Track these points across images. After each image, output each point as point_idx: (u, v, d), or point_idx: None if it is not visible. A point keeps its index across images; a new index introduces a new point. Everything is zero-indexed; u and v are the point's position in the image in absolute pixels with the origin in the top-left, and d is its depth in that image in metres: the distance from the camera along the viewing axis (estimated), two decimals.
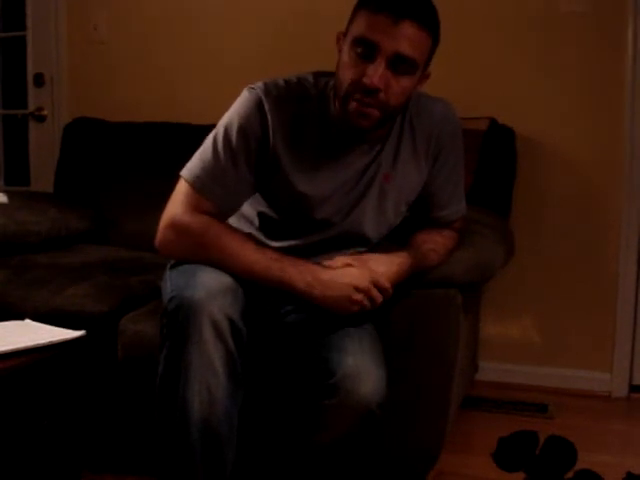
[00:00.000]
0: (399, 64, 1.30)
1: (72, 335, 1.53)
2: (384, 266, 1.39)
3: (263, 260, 1.34)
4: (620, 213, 2.41)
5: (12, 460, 1.45)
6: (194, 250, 1.37)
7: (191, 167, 1.42)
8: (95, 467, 1.79)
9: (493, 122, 2.30)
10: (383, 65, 1.29)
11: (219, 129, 1.42)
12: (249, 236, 1.53)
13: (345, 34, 1.36)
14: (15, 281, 1.93)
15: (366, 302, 1.34)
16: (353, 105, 1.33)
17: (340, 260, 1.39)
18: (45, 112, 3.04)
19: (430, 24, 1.32)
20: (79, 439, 1.63)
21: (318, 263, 1.38)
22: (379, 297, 1.35)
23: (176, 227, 1.38)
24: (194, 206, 1.39)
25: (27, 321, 1.66)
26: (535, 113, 2.45)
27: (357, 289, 1.33)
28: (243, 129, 1.39)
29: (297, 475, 1.42)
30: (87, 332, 1.56)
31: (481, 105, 2.36)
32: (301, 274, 1.33)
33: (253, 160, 1.41)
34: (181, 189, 1.42)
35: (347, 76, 1.33)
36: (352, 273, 1.35)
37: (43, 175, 3.00)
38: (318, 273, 1.34)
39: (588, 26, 2.38)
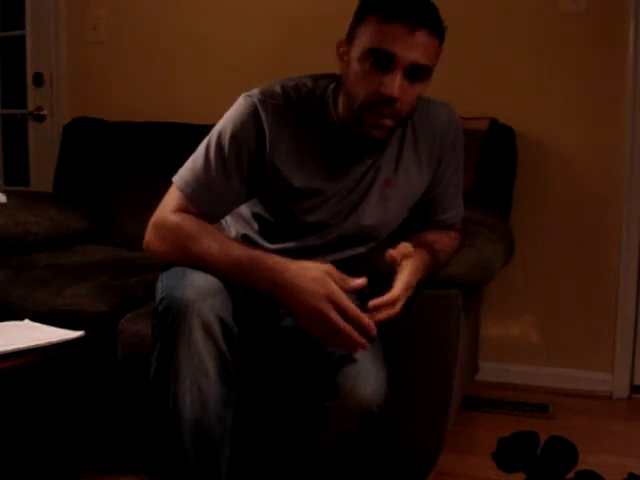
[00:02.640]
0: (415, 72, 1.30)
1: (72, 335, 1.53)
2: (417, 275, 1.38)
3: (226, 260, 1.30)
4: (620, 213, 2.41)
5: (12, 460, 1.45)
6: (171, 249, 1.37)
7: (182, 174, 1.42)
8: (95, 467, 1.79)
9: (493, 122, 2.30)
10: (401, 75, 1.28)
11: (212, 136, 1.41)
12: (245, 238, 1.53)
13: (349, 41, 1.34)
14: (15, 281, 1.93)
15: (324, 326, 1.23)
16: (370, 118, 1.32)
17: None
18: (44, 112, 3.04)
19: (440, 31, 1.32)
20: (79, 439, 1.63)
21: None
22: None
23: (157, 226, 1.39)
24: (181, 209, 1.39)
25: (27, 321, 1.65)
26: (535, 113, 2.45)
27: (315, 311, 1.22)
28: (236, 139, 1.38)
29: (297, 476, 1.41)
30: (87, 332, 1.56)
31: (481, 105, 2.36)
32: (264, 280, 1.28)
33: (245, 170, 1.40)
34: (171, 194, 1.42)
35: (361, 88, 1.31)
36: (315, 289, 1.23)
37: (43, 175, 3.00)
38: (282, 280, 1.26)
39: (588, 26, 2.38)
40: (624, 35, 2.35)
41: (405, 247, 1.37)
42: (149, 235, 1.41)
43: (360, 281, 1.26)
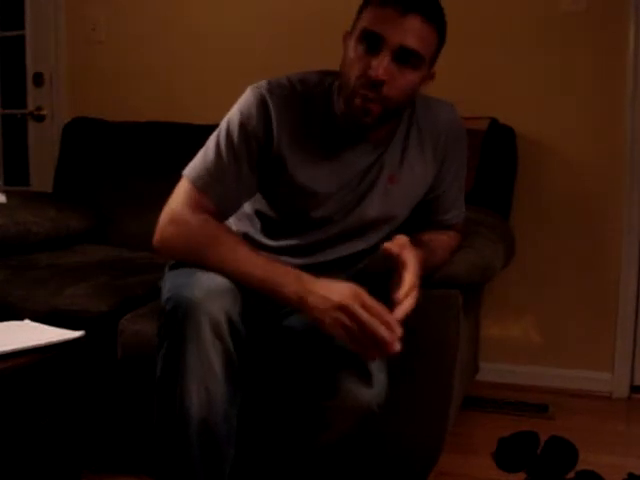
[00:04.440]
0: (404, 57, 1.30)
1: (72, 335, 1.53)
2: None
3: (255, 263, 1.30)
4: (621, 212, 2.41)
5: (12, 460, 1.45)
6: (192, 248, 1.35)
7: (193, 166, 1.41)
8: (95, 467, 1.79)
9: (493, 122, 2.30)
10: (388, 57, 1.29)
11: (221, 128, 1.41)
12: (245, 236, 1.53)
13: (351, 32, 1.36)
14: (15, 281, 1.93)
15: (350, 324, 1.19)
16: (357, 101, 1.32)
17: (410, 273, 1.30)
18: (44, 112, 3.04)
19: (436, 19, 1.32)
20: (79, 439, 1.63)
21: (315, 275, 1.30)
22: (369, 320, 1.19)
23: (176, 223, 1.37)
24: (195, 204, 1.38)
25: (27, 321, 1.65)
26: (535, 113, 2.45)
27: (340, 307, 1.20)
28: (245, 128, 1.38)
29: (297, 475, 1.41)
30: (87, 332, 1.56)
31: (481, 105, 2.36)
32: (291, 284, 1.26)
33: (255, 159, 1.40)
34: (182, 187, 1.41)
35: (353, 71, 1.32)
36: (342, 289, 1.22)
37: (43, 175, 3.00)
38: (310, 284, 1.25)
39: (588, 25, 2.38)
40: (624, 35, 2.35)
41: (399, 239, 1.36)
42: (164, 232, 1.37)
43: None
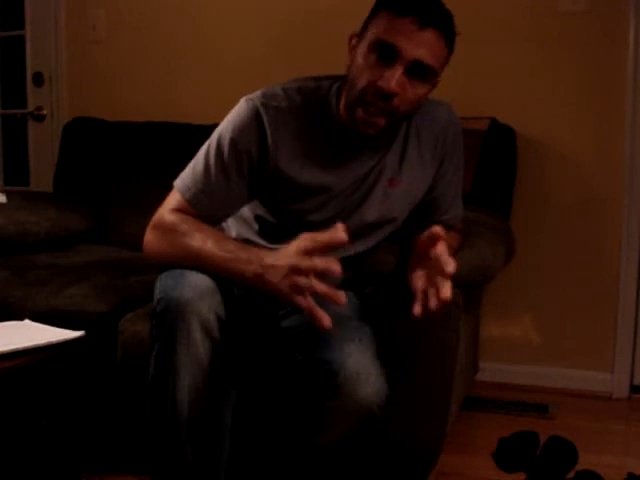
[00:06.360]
0: (418, 71, 1.28)
1: (71, 335, 1.53)
2: None
3: (219, 254, 1.29)
4: (621, 212, 2.41)
5: (12, 460, 1.45)
6: (167, 248, 1.36)
7: (183, 177, 1.42)
8: (95, 467, 1.79)
9: (493, 122, 2.30)
10: (401, 70, 1.27)
11: (212, 141, 1.40)
12: (246, 242, 1.53)
13: (360, 35, 1.33)
14: (15, 281, 1.92)
15: (305, 283, 1.18)
16: (360, 113, 1.31)
17: None
18: (44, 112, 3.04)
19: (450, 34, 1.31)
20: (79, 439, 1.63)
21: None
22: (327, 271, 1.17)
23: (155, 226, 1.39)
24: (179, 210, 1.39)
25: (27, 321, 1.65)
26: (535, 113, 2.45)
27: (294, 270, 1.19)
28: (235, 143, 1.37)
29: (297, 476, 1.41)
30: (86, 332, 1.56)
31: (481, 105, 2.36)
32: (250, 264, 1.25)
33: (246, 174, 1.39)
34: (172, 197, 1.42)
35: (362, 79, 1.30)
36: (288, 251, 1.21)
37: (43, 175, 3.00)
38: (265, 259, 1.25)
39: (588, 25, 2.38)
40: (624, 35, 2.35)
41: (437, 229, 1.30)
42: (147, 236, 1.40)
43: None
